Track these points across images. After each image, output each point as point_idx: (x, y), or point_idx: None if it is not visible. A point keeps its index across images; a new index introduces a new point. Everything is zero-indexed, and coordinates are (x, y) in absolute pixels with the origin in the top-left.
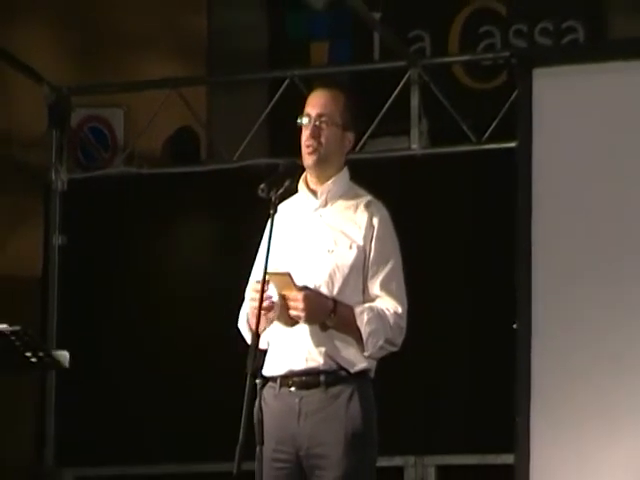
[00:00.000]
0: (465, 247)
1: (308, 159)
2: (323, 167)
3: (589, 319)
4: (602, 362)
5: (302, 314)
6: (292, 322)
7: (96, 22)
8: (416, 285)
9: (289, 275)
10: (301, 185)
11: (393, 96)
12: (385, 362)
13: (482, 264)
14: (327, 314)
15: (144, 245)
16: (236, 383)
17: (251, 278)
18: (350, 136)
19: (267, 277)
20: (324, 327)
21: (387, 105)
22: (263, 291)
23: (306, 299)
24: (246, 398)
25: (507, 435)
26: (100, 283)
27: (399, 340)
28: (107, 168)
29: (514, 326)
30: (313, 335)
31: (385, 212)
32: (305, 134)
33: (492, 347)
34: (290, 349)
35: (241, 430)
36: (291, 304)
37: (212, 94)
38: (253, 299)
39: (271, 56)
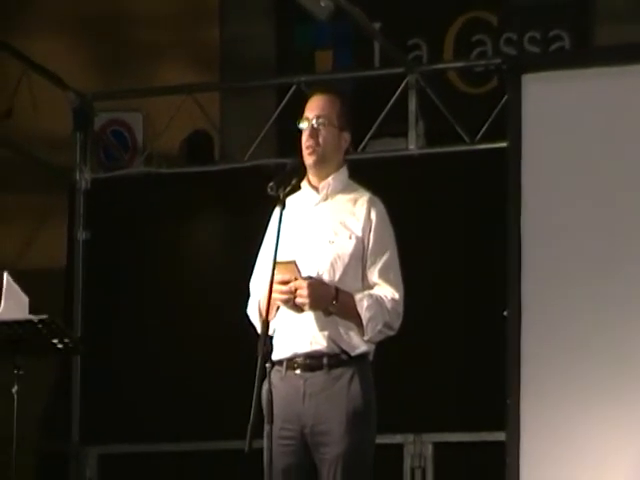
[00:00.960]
0: (460, 239)
1: (308, 159)
2: (322, 166)
3: (574, 307)
4: (587, 345)
5: (307, 301)
6: (299, 309)
7: (117, 33)
8: (414, 276)
9: (294, 263)
10: (304, 183)
11: (392, 100)
12: (385, 346)
13: (475, 255)
14: (330, 301)
15: (162, 239)
16: (248, 368)
17: (256, 269)
18: (346, 136)
19: (274, 266)
20: (327, 313)
21: (387, 108)
22: (272, 281)
23: (310, 287)
24: (257, 381)
25: (499, 414)
26: (121, 275)
27: (397, 324)
28: (128, 168)
29: (504, 314)
30: (317, 320)
31: (382, 206)
32: (304, 135)
33: (485, 333)
34: (295, 333)
35: (252, 410)
36: (297, 292)
37: (224, 99)
38: (276, 291)
39: (279, 64)
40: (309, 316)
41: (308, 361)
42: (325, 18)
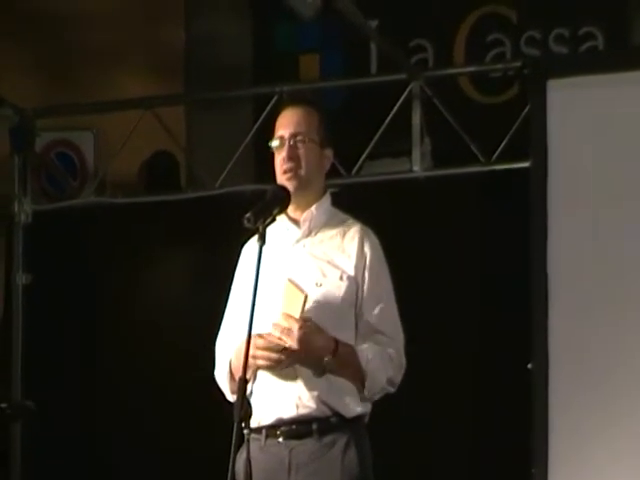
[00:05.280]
0: (474, 278)
1: (288, 185)
2: (305, 192)
3: (611, 358)
4: (628, 406)
5: (295, 345)
6: (289, 375)
7: (63, 37)
8: (418, 321)
9: (305, 297)
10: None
11: (392, 112)
12: (381, 406)
13: (492, 296)
14: (326, 354)
15: (118, 282)
16: (221, 430)
17: (224, 324)
18: (329, 153)
19: (285, 284)
20: (320, 372)
21: (386, 123)
22: (250, 334)
23: (303, 329)
24: (233, 449)
25: None
26: (69, 325)
27: (399, 379)
28: (76, 198)
29: (529, 367)
30: (304, 379)
31: (375, 239)
32: (280, 158)
33: (504, 390)
34: (278, 395)
35: None
36: (285, 328)
37: (191, 114)
38: (260, 348)
39: (256, 70)
40: (295, 374)
41: (294, 427)
42: (311, 16)
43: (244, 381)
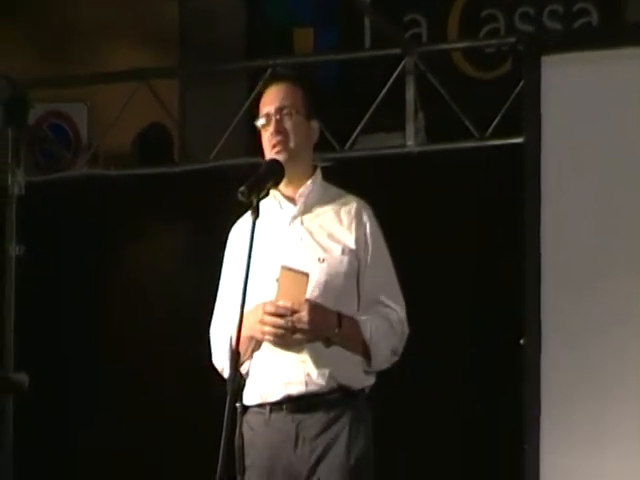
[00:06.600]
0: (467, 253)
1: (278, 158)
2: (295, 165)
3: (607, 333)
4: (622, 383)
5: (307, 327)
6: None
7: (56, 9)
8: (412, 296)
9: (307, 277)
10: (272, 191)
11: (386, 87)
12: (377, 386)
13: (486, 272)
14: (332, 329)
15: (112, 254)
16: (216, 407)
17: (218, 307)
18: (315, 126)
19: (280, 272)
20: (328, 343)
21: (379, 98)
22: (243, 308)
23: (312, 312)
24: (225, 424)
25: (514, 464)
26: (62, 297)
27: (401, 348)
28: (69, 170)
29: (521, 342)
30: (312, 355)
31: (370, 210)
32: (268, 133)
33: (497, 365)
34: (285, 372)
35: (220, 459)
36: (294, 317)
37: (185, 87)
38: (269, 324)
39: (250, 44)
40: (302, 348)
41: (302, 402)
42: None
43: (237, 354)
